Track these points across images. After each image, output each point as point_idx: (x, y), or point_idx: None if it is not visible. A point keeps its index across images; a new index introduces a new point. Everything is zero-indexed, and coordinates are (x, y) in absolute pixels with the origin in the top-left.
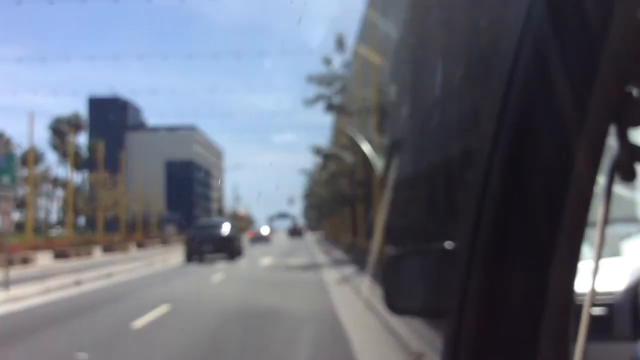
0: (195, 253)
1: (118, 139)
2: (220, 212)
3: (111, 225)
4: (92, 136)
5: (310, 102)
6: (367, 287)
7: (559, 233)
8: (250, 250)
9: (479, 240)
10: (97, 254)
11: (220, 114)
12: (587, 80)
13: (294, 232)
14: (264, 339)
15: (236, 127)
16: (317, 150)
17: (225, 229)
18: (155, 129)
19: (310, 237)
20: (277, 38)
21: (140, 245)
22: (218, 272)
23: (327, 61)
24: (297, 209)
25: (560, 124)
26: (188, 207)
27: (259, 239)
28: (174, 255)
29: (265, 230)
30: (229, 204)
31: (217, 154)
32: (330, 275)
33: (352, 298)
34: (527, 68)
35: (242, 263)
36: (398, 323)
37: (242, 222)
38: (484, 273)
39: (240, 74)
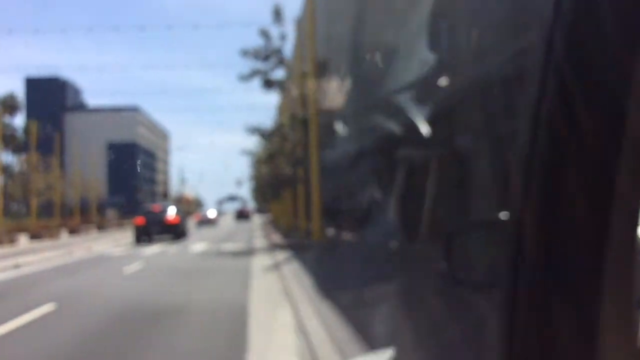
0: (143, 234)
1: (56, 120)
2: (165, 195)
3: (48, 210)
4: (29, 118)
5: (245, 78)
6: (294, 275)
7: (614, 198)
8: (193, 233)
9: (529, 209)
10: (23, 241)
11: (164, 93)
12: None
13: (241, 215)
14: (146, 344)
15: (182, 107)
16: (253, 130)
17: (171, 212)
18: (97, 110)
19: (257, 220)
20: (219, 10)
21: (73, 231)
22: (137, 261)
23: (264, 33)
24: (246, 192)
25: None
26: (132, 190)
27: (205, 222)
28: (103, 242)
29: (211, 214)
30: (175, 187)
31: (163, 136)
32: (261, 262)
33: (273, 290)
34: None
35: (172, 249)
36: (316, 324)
37: (189, 205)
38: (535, 243)
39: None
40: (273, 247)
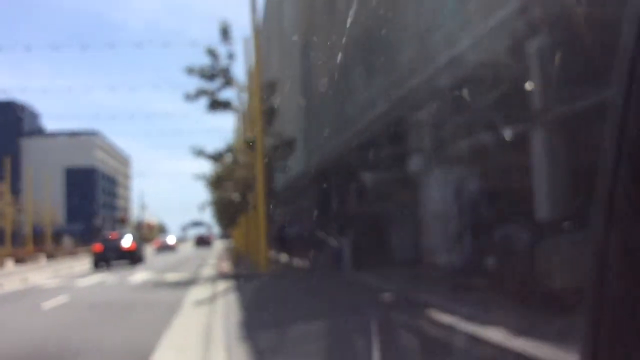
0: (101, 260)
1: (11, 145)
2: (123, 221)
3: (2, 238)
4: None
5: (191, 98)
6: (224, 311)
7: None
8: (150, 259)
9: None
10: None
11: (126, 116)
12: None
13: (201, 241)
14: None
15: (144, 131)
16: (199, 152)
17: (127, 240)
18: (54, 135)
19: (219, 246)
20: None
21: (19, 260)
22: (64, 295)
23: (211, 52)
24: (209, 217)
25: None
26: (91, 217)
27: (165, 248)
28: (45, 272)
29: (171, 240)
30: (136, 212)
31: (123, 161)
32: (198, 294)
33: (193, 330)
34: None
35: (112, 279)
36: None
37: (151, 231)
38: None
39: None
40: (219, 277)
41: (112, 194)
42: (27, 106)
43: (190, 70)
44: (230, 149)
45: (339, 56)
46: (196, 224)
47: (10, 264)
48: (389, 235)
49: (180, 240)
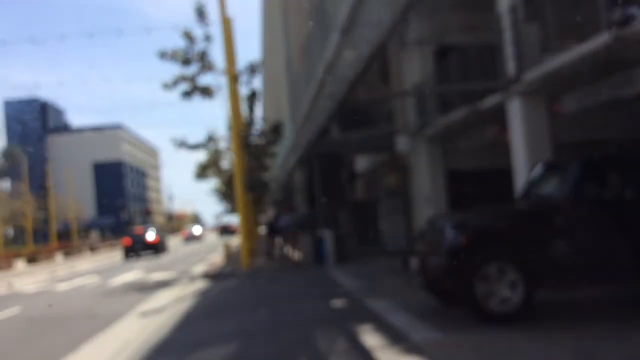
0: (131, 252)
1: (39, 143)
2: (148, 213)
3: (40, 236)
4: (10, 142)
5: (169, 86)
6: (168, 321)
7: None
8: (174, 250)
9: None
10: None
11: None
12: None
13: (225, 230)
14: None
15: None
16: (180, 144)
17: (151, 233)
18: (80, 130)
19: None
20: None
21: (31, 260)
22: (18, 305)
23: (187, 35)
24: None
25: None
26: (121, 210)
27: (191, 238)
28: (41, 274)
29: (197, 230)
30: (167, 204)
31: (151, 152)
32: (160, 299)
33: (102, 356)
34: None
35: (93, 282)
36: None
37: (181, 222)
38: None
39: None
40: (202, 276)
41: (142, 186)
42: (52, 103)
43: (163, 55)
44: (211, 138)
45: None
46: (228, 212)
47: (20, 265)
48: (376, 223)
49: (213, 228)
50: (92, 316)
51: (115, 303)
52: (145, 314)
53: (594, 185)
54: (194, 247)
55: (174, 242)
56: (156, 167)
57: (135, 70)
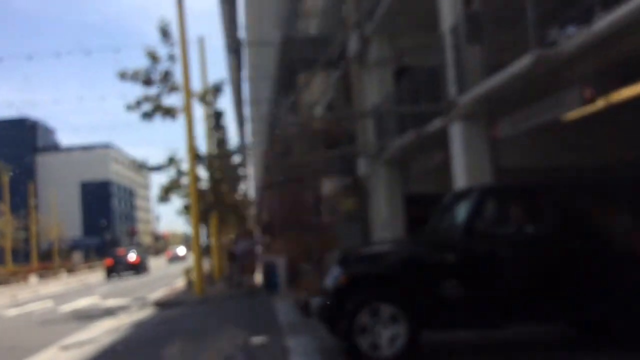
0: (112, 272)
1: (27, 162)
2: (132, 234)
3: (22, 256)
4: None
5: (132, 107)
6: None
7: None
8: (155, 270)
9: None
10: None
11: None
12: None
13: (175, 258)
14: None
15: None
16: (139, 166)
17: (132, 255)
18: (69, 149)
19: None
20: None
21: (2, 282)
22: None
23: (150, 54)
24: None
25: None
26: (108, 230)
27: (175, 258)
28: (5, 297)
29: (181, 251)
30: (154, 224)
31: (141, 171)
32: (90, 332)
33: None
34: None
35: (46, 307)
36: None
37: (166, 242)
38: None
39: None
40: (152, 303)
41: (131, 205)
42: (42, 122)
43: (123, 75)
44: (172, 160)
45: None
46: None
47: None
48: (334, 245)
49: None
50: (12, 348)
51: (47, 333)
52: (67, 348)
53: (490, 218)
54: (175, 267)
55: (158, 262)
56: (145, 187)
57: (130, 88)
